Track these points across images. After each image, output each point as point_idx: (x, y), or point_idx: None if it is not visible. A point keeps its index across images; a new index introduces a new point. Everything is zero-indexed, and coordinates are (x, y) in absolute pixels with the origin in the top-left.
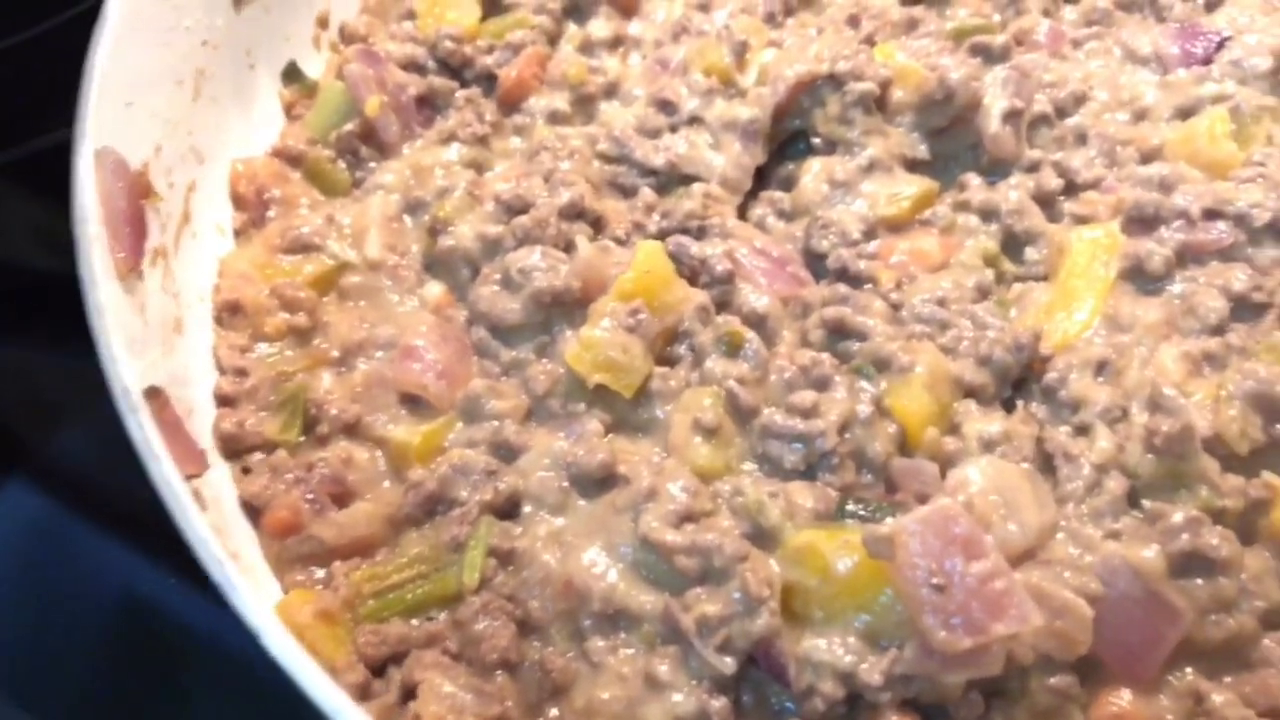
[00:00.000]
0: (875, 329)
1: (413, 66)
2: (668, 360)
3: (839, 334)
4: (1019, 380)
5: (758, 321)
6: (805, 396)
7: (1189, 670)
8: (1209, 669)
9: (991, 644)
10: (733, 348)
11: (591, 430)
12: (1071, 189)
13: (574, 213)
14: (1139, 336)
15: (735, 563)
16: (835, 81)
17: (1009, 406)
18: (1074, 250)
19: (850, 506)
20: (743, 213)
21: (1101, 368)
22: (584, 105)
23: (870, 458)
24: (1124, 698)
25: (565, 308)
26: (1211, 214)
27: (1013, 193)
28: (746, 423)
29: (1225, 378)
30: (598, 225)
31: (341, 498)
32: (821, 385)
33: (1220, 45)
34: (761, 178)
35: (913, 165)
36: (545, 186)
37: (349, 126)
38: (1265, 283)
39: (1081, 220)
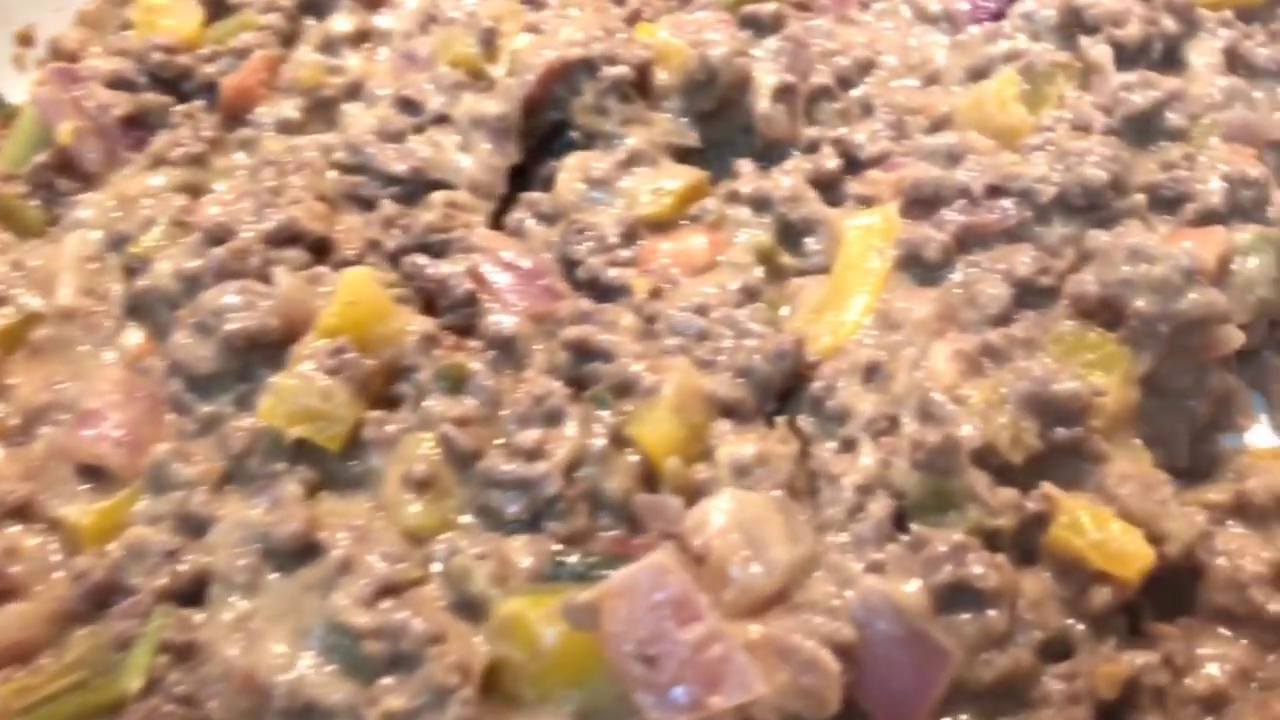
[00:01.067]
0: (622, 347)
1: (121, 83)
2: (391, 401)
3: (584, 355)
4: (789, 390)
5: (504, 344)
6: (528, 436)
7: (964, 716)
8: (985, 712)
9: (713, 718)
10: (454, 383)
11: (288, 494)
12: (856, 166)
13: (284, 238)
14: (910, 334)
15: (425, 645)
16: (589, 67)
17: (788, 420)
18: (847, 239)
19: (568, 561)
20: (502, 218)
21: (871, 372)
22: (323, 110)
23: (607, 497)
24: None
25: (266, 351)
26: (995, 190)
27: (785, 178)
28: (467, 469)
29: (1000, 378)
30: (322, 248)
31: (3, 594)
32: (553, 419)
33: None
34: (523, 177)
35: (684, 154)
36: (255, 210)
37: (41, 158)
38: (1053, 265)
39: (866, 202)
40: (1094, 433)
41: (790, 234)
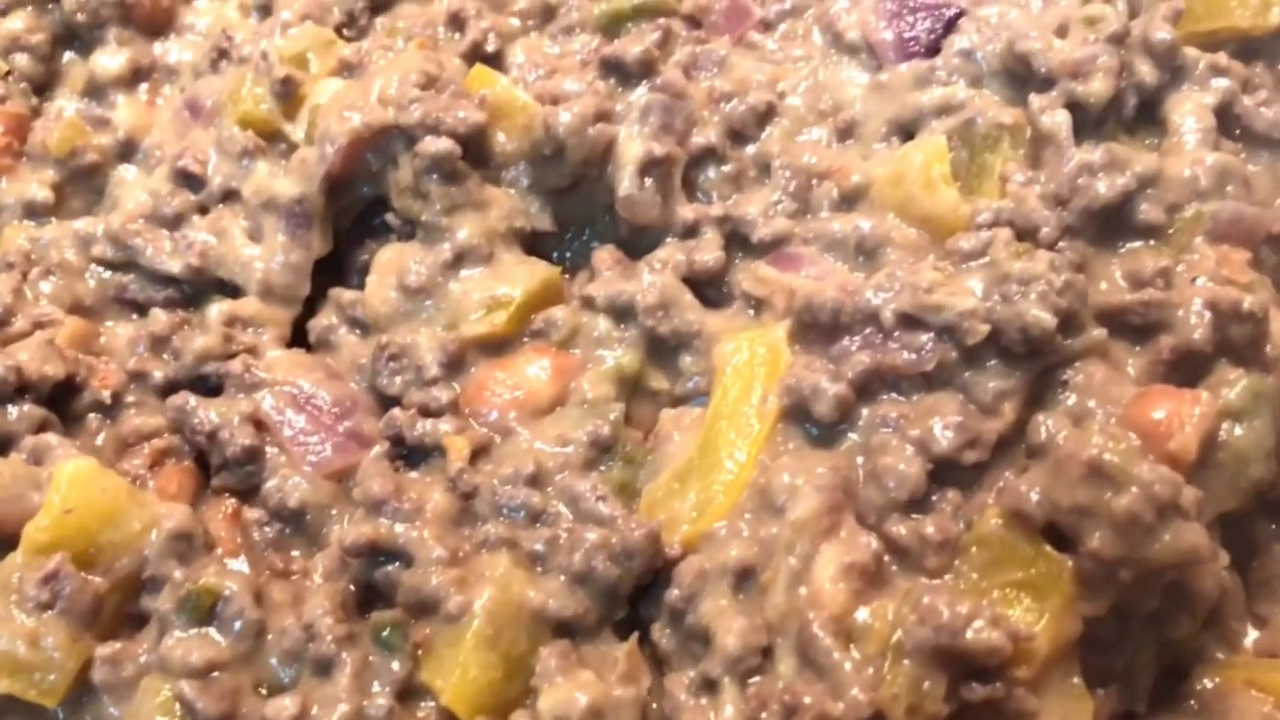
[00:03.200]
0: (425, 547)
1: None
2: (137, 620)
3: (378, 555)
4: (643, 588)
5: (292, 517)
6: (284, 708)
7: None
8: None
9: None
10: (199, 612)
11: None
12: (746, 248)
13: (6, 392)
14: (791, 534)
15: None
16: (406, 135)
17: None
18: (724, 378)
19: None
20: (307, 322)
21: (741, 580)
22: (85, 181)
23: None
24: None
25: None
26: (911, 321)
27: (652, 279)
28: None
29: (900, 614)
30: (67, 392)
31: None
32: (323, 668)
33: (949, 26)
34: (337, 267)
35: (534, 241)
36: None
37: None
38: (983, 433)
39: (756, 305)
40: (1019, 685)
41: (660, 350)
